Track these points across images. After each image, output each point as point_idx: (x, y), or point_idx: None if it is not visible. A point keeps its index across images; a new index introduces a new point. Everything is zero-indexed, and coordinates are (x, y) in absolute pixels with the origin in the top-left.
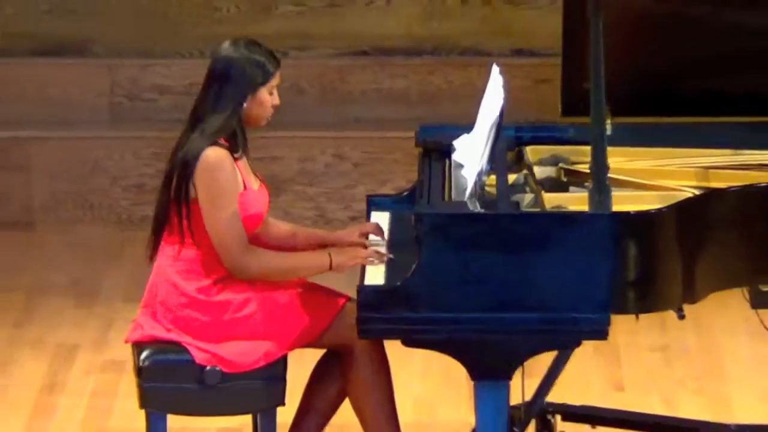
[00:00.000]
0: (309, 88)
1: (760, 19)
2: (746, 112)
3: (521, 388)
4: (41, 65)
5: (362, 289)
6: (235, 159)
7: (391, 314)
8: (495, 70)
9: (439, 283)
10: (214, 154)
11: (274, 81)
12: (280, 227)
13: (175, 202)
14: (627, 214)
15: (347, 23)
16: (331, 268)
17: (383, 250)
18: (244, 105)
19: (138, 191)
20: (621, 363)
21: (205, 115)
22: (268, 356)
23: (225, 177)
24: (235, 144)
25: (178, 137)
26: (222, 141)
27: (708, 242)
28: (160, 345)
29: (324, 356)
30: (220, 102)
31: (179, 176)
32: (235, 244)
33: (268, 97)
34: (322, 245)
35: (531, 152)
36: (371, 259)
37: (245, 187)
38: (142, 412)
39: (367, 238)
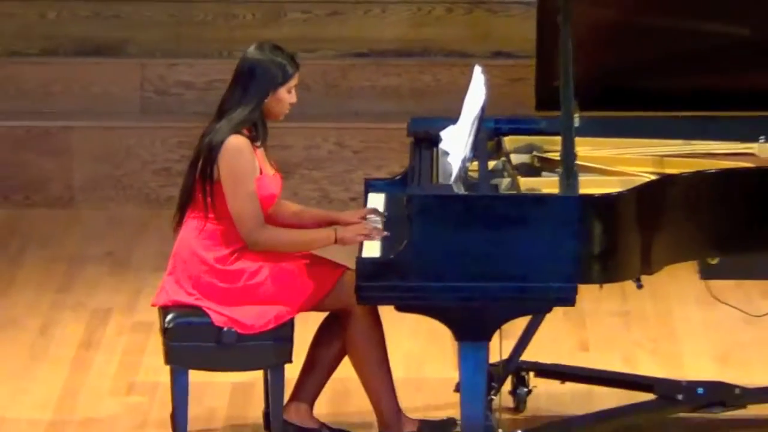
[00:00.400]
0: (314, 85)
1: (707, 24)
2: (696, 107)
3: (499, 348)
4: (82, 64)
5: (360, 260)
6: (255, 147)
7: (385, 283)
8: (477, 69)
9: (427, 256)
10: (236, 141)
11: (293, 81)
12: (289, 207)
13: (200, 182)
14: (592, 196)
15: (348, 29)
16: (336, 241)
17: (380, 226)
18: (266, 101)
19: (165, 174)
20: (586, 326)
21: (231, 108)
22: (277, 319)
23: (244, 161)
24: (256, 134)
25: (206, 125)
26: (245, 131)
27: (663, 221)
28: (183, 309)
29: (326, 319)
30: (246, 97)
31: (205, 159)
32: (252, 219)
33: (286, 95)
34: (326, 223)
35: (508, 142)
36: (371, 234)
37: (261, 172)
38: (167, 368)
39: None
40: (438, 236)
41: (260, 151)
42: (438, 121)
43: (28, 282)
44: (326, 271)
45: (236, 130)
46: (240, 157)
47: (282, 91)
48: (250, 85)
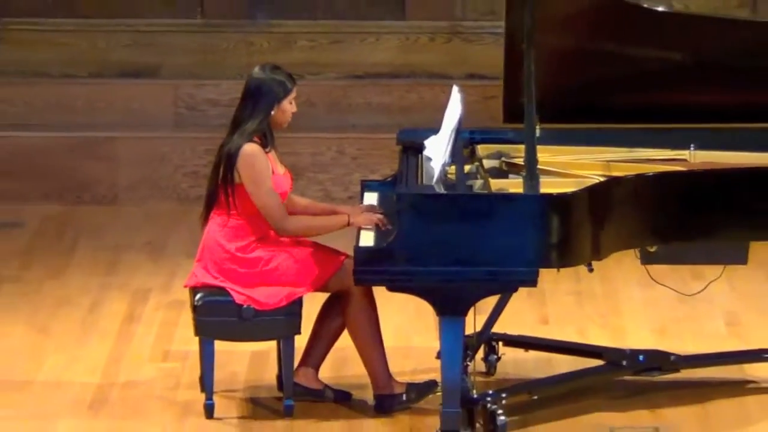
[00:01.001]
0: (319, 102)
1: (647, 51)
2: (638, 120)
3: (473, 321)
4: (125, 84)
5: (357, 249)
6: (266, 152)
7: (378, 268)
8: (455, 89)
9: (413, 245)
10: (250, 148)
11: (293, 94)
12: (300, 201)
13: (222, 185)
14: (551, 195)
15: (347, 55)
16: (349, 224)
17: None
18: (272, 113)
19: (194, 177)
20: (546, 303)
21: (243, 121)
22: (288, 298)
23: (260, 164)
24: (266, 141)
25: (224, 137)
26: (256, 139)
27: (610, 216)
28: (209, 289)
29: (329, 298)
30: (255, 111)
31: (225, 165)
32: (277, 210)
33: (288, 106)
34: (331, 213)
35: (481, 149)
36: (378, 223)
37: (273, 172)
38: (197, 339)
39: None
40: (422, 228)
41: (271, 155)
42: (422, 132)
43: (79, 267)
44: (329, 258)
45: (249, 139)
46: (256, 161)
47: (285, 103)
48: (258, 100)
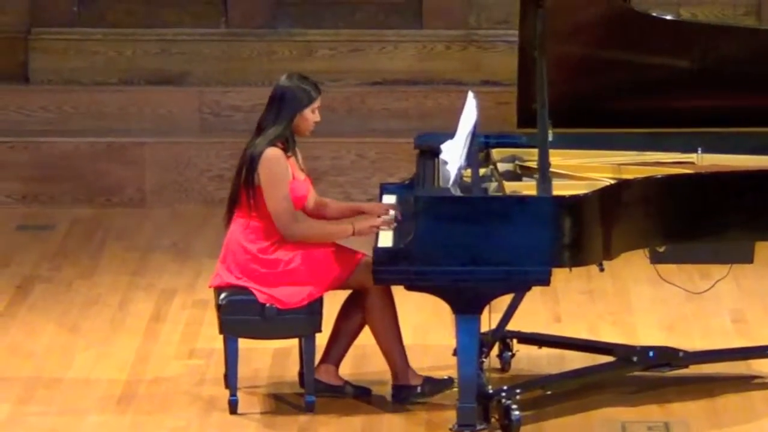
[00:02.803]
0: (339, 108)
1: (655, 58)
2: (647, 125)
3: (488, 319)
4: (153, 91)
5: (376, 249)
6: (288, 157)
7: (397, 267)
8: (470, 95)
9: (431, 245)
10: (272, 153)
11: (316, 104)
12: (319, 200)
13: (244, 187)
14: (563, 196)
15: (366, 62)
16: (353, 233)
17: (392, 221)
18: (295, 120)
19: (219, 180)
20: (559, 302)
21: (267, 126)
22: (309, 297)
23: (279, 169)
24: (287, 146)
25: (248, 141)
26: (279, 144)
27: (620, 217)
28: (233, 289)
29: (349, 296)
30: (278, 117)
31: (248, 168)
32: (286, 216)
33: (311, 115)
34: (353, 212)
35: (496, 153)
36: (382, 226)
37: (293, 177)
38: (221, 337)
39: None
40: (439, 229)
41: (292, 160)
42: (439, 136)
43: (108, 267)
44: (348, 257)
45: (272, 144)
46: (276, 166)
47: (307, 112)
48: (282, 107)
